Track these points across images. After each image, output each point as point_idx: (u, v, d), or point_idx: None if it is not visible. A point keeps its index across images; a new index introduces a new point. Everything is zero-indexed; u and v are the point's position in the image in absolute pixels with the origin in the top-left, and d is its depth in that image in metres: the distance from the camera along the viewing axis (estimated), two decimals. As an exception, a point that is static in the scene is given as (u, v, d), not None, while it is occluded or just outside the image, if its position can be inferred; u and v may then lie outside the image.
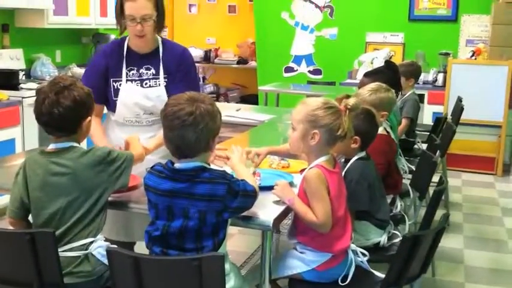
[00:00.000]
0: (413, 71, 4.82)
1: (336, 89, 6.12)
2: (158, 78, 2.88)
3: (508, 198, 5.50)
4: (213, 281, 1.84)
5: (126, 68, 2.87)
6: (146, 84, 2.87)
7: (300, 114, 2.27)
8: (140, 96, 2.86)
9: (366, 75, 3.85)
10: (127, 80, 2.86)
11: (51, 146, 2.20)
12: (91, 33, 6.37)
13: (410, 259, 2.08)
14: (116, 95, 2.87)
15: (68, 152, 2.16)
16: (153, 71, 2.88)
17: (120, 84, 2.86)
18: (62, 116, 2.12)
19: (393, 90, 3.29)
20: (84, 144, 2.33)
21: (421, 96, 6.54)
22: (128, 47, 2.87)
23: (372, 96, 3.12)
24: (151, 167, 2.08)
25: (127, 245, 2.86)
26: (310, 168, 2.26)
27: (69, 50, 6.25)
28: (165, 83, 2.88)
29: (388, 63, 4.28)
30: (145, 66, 2.88)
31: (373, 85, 3.21)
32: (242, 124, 4.14)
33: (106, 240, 2.28)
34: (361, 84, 3.61)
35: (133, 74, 2.87)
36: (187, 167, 2.00)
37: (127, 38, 2.89)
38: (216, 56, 9.09)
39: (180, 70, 2.91)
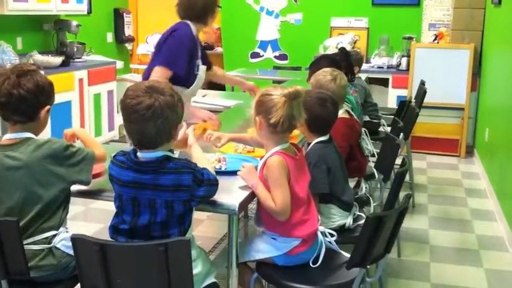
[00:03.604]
0: (359, 60, 5.00)
1: (302, 74, 6.11)
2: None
3: (471, 179, 5.61)
4: (180, 266, 1.84)
5: None
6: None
7: (252, 103, 2.31)
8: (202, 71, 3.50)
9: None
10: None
11: (7, 137, 2.15)
12: (52, 20, 6.26)
13: (374, 239, 2.11)
14: (197, 71, 3.45)
15: (23, 145, 2.11)
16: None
17: (199, 62, 3.45)
18: (22, 98, 2.07)
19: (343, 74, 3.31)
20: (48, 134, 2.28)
21: (386, 81, 6.63)
22: None
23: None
24: (113, 156, 2.04)
25: None
26: (271, 155, 2.26)
27: (30, 37, 6.13)
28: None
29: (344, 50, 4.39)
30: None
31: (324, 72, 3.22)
32: (209, 110, 4.13)
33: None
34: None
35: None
36: (151, 159, 1.96)
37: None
38: (182, 42, 9.01)
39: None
